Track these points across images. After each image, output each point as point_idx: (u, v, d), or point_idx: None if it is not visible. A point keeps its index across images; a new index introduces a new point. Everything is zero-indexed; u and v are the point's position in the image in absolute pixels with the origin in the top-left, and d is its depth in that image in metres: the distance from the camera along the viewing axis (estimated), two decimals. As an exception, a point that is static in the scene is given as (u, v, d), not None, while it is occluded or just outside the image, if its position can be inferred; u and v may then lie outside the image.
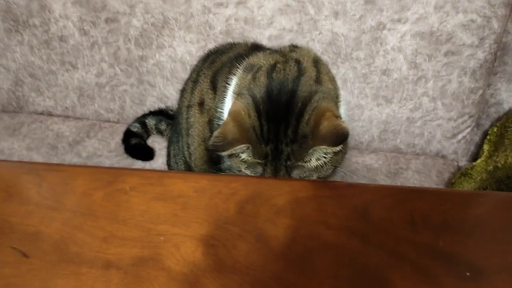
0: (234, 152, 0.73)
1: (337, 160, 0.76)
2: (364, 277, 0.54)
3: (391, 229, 0.59)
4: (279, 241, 0.57)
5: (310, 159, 0.71)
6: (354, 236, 0.58)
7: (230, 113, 0.74)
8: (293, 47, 0.86)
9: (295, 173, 0.74)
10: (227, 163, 0.89)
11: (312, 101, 0.72)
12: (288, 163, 0.72)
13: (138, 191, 0.63)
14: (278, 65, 0.77)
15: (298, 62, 0.78)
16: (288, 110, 0.72)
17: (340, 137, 0.68)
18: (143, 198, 0.62)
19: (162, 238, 0.56)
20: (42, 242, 0.56)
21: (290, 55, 0.81)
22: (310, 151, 0.70)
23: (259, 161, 0.73)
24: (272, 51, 0.87)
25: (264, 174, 0.74)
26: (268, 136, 0.72)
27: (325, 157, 0.72)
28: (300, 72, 0.75)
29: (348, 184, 0.69)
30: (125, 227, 0.58)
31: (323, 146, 0.69)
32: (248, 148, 0.72)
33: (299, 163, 0.72)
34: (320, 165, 0.73)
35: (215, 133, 0.71)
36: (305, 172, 0.74)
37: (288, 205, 0.61)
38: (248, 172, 0.76)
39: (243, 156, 0.74)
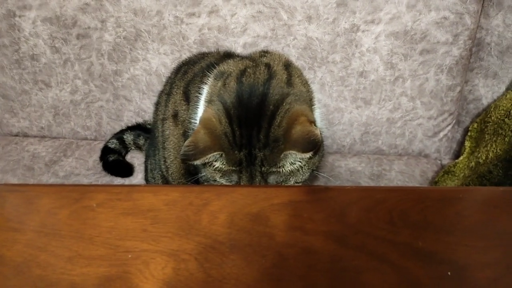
0: (207, 160, 0.71)
1: (314, 163, 0.74)
2: (343, 282, 0.52)
3: (370, 231, 0.57)
4: (253, 251, 0.54)
5: (284, 164, 0.70)
6: (331, 240, 0.56)
7: (200, 121, 0.72)
8: (264, 53, 0.85)
9: (272, 179, 0.72)
10: (204, 174, 0.87)
11: (284, 104, 0.70)
12: (263, 169, 0.70)
13: (106, 207, 0.60)
14: (248, 70, 0.75)
15: (268, 66, 0.76)
16: (260, 113, 0.70)
17: (311, 144, 0.66)
18: (111, 214, 0.59)
19: (130, 256, 0.53)
20: (3, 266, 0.53)
21: (260, 60, 0.79)
22: (282, 155, 0.68)
23: (233, 168, 0.71)
24: (243, 57, 0.86)
25: (240, 182, 0.72)
26: (240, 142, 0.70)
27: (300, 162, 0.70)
28: (271, 75, 0.74)
29: (325, 187, 0.67)
30: (92, 245, 0.55)
31: (294, 151, 0.67)
32: (221, 155, 0.70)
33: (273, 169, 0.70)
34: (296, 169, 0.71)
35: (186, 142, 0.69)
36: (281, 177, 0.72)
37: (262, 212, 0.59)
38: (223, 181, 0.74)
39: (217, 164, 0.71)
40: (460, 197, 0.64)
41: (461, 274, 0.52)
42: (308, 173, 0.74)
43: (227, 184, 0.73)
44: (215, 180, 0.75)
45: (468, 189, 0.77)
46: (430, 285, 0.50)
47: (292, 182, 0.73)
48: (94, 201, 0.61)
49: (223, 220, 0.58)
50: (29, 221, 0.59)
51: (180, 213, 0.59)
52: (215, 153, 0.70)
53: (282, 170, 0.70)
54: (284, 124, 0.69)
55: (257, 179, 0.71)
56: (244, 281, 0.51)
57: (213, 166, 0.72)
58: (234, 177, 0.72)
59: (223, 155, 0.70)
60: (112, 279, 0.51)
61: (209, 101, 0.76)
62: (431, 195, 0.63)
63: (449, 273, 0.51)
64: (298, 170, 0.71)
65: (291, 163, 0.69)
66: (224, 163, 0.71)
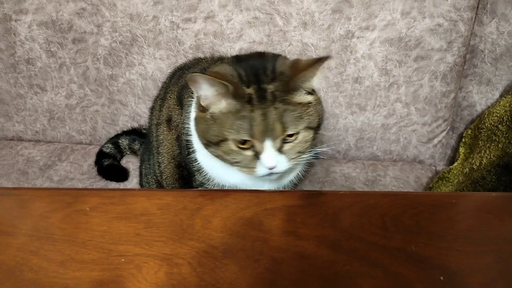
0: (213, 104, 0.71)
1: (320, 109, 0.76)
2: (336, 287, 0.52)
3: (362, 236, 0.57)
4: (246, 255, 0.54)
5: (297, 92, 0.71)
6: (324, 245, 0.56)
7: (205, 73, 0.74)
8: None
9: (286, 118, 0.69)
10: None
11: (281, 56, 0.78)
12: (276, 104, 0.69)
13: (99, 211, 0.60)
14: None
15: None
16: (262, 64, 0.74)
17: (316, 59, 0.71)
18: (104, 218, 0.59)
19: (123, 260, 0.53)
20: (-5, 270, 0.53)
21: None
22: (293, 81, 0.70)
23: (244, 105, 0.69)
24: None
25: (253, 126, 0.68)
26: (248, 79, 0.72)
27: (307, 94, 0.72)
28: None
29: (318, 192, 0.67)
30: (84, 249, 0.55)
31: (303, 73, 0.70)
32: (227, 90, 0.69)
33: (287, 98, 0.70)
34: (307, 105, 0.72)
35: None
36: (294, 113, 0.70)
37: (256, 217, 0.59)
38: (234, 133, 0.69)
39: (224, 104, 0.70)
40: (453, 203, 0.64)
41: (454, 279, 0.52)
42: (316, 120, 0.74)
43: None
44: (225, 140, 0.71)
45: (461, 195, 0.77)
46: (422, 290, 0.50)
47: (304, 126, 0.71)
48: (87, 205, 0.61)
49: (217, 225, 0.58)
50: (22, 225, 0.58)
51: (174, 218, 0.59)
52: (223, 84, 0.69)
53: (295, 100, 0.71)
54: (287, 62, 0.75)
55: (271, 118, 0.68)
56: (237, 285, 0.51)
57: (221, 107, 0.71)
58: (246, 123, 0.69)
59: (231, 88, 0.69)
60: (105, 283, 0.51)
61: None
62: (423, 200, 0.64)
63: (441, 278, 0.51)
64: (309, 106, 0.72)
65: (302, 95, 0.72)
66: (233, 99, 0.70)
